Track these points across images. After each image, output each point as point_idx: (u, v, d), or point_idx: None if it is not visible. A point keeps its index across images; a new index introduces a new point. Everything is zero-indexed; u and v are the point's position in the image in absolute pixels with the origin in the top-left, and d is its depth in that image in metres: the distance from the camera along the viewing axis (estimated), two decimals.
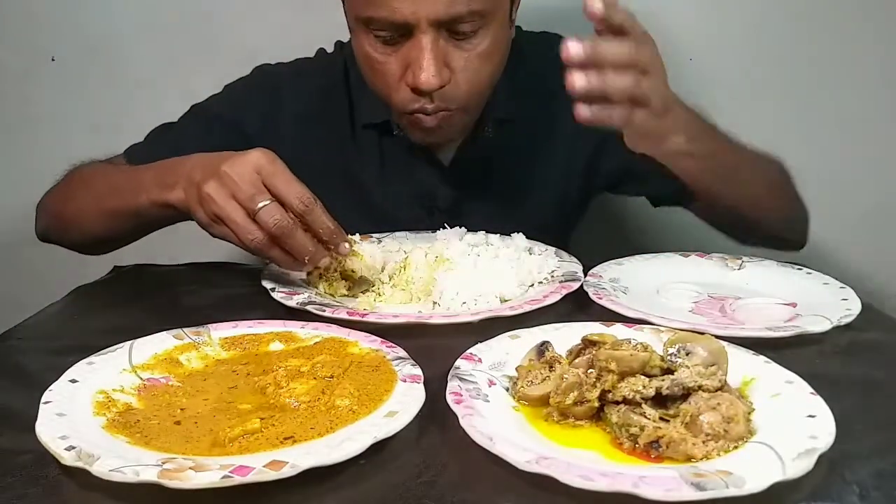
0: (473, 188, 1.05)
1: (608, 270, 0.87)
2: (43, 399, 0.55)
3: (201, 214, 0.78)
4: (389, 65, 0.89)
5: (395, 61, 0.88)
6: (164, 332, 0.68)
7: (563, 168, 1.08)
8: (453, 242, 0.89)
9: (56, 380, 0.58)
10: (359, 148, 1.05)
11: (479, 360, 0.62)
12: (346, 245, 0.80)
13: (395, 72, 0.89)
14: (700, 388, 0.54)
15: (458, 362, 0.61)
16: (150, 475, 0.45)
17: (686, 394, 0.54)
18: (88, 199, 0.94)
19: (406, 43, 0.87)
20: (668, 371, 0.56)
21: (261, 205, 0.74)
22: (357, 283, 0.84)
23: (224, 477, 0.46)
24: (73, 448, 0.48)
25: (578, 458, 0.50)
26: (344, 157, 1.04)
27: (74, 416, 0.53)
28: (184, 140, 1.00)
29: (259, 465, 0.47)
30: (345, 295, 0.84)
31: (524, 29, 1.07)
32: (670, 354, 0.58)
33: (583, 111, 0.70)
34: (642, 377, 0.55)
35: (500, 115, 1.03)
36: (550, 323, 0.69)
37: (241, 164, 0.75)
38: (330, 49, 1.11)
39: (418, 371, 0.60)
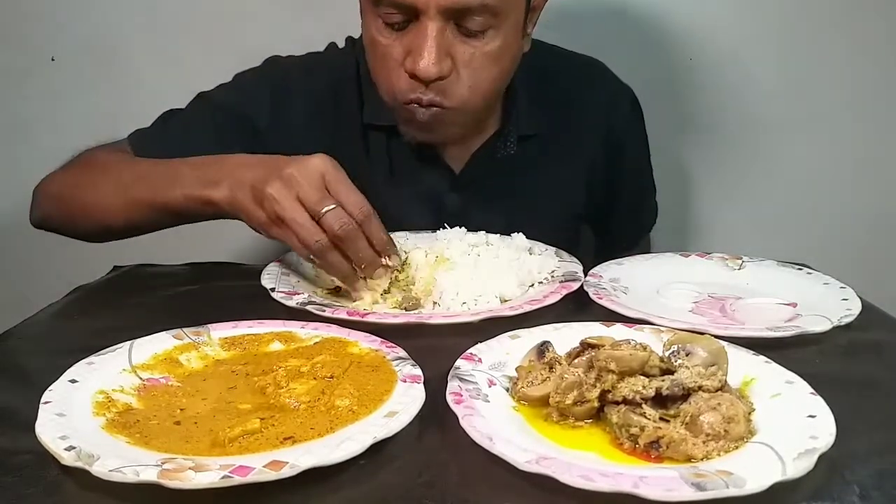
0: (483, 197, 1.03)
1: (608, 270, 0.87)
2: (43, 399, 0.55)
3: (260, 214, 0.77)
4: (392, 49, 0.88)
5: (398, 46, 0.87)
6: (164, 332, 0.68)
7: (578, 183, 1.09)
8: (453, 242, 0.89)
9: (56, 380, 0.58)
10: (368, 148, 1.03)
11: (479, 360, 0.62)
12: (398, 258, 0.80)
13: (397, 57, 0.88)
14: (700, 388, 0.54)
15: (458, 362, 0.61)
16: (149, 475, 0.45)
17: (686, 394, 0.54)
18: (109, 188, 0.90)
19: (412, 28, 0.86)
20: (668, 371, 0.56)
21: (326, 209, 0.74)
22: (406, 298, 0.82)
23: (224, 477, 0.46)
24: (73, 448, 0.48)
25: (578, 458, 0.50)
26: (352, 156, 0.99)
27: (74, 417, 0.53)
28: (192, 128, 0.99)
29: (259, 466, 0.47)
30: (398, 306, 0.81)
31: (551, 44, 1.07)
32: (670, 354, 0.58)
33: None
34: (642, 377, 0.55)
35: (523, 132, 1.02)
36: (550, 323, 0.69)
37: (307, 168, 0.76)
38: (341, 44, 1.09)
39: (418, 371, 0.60)
